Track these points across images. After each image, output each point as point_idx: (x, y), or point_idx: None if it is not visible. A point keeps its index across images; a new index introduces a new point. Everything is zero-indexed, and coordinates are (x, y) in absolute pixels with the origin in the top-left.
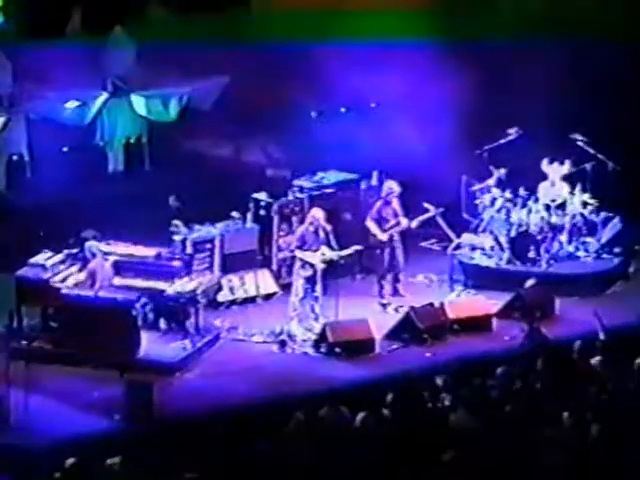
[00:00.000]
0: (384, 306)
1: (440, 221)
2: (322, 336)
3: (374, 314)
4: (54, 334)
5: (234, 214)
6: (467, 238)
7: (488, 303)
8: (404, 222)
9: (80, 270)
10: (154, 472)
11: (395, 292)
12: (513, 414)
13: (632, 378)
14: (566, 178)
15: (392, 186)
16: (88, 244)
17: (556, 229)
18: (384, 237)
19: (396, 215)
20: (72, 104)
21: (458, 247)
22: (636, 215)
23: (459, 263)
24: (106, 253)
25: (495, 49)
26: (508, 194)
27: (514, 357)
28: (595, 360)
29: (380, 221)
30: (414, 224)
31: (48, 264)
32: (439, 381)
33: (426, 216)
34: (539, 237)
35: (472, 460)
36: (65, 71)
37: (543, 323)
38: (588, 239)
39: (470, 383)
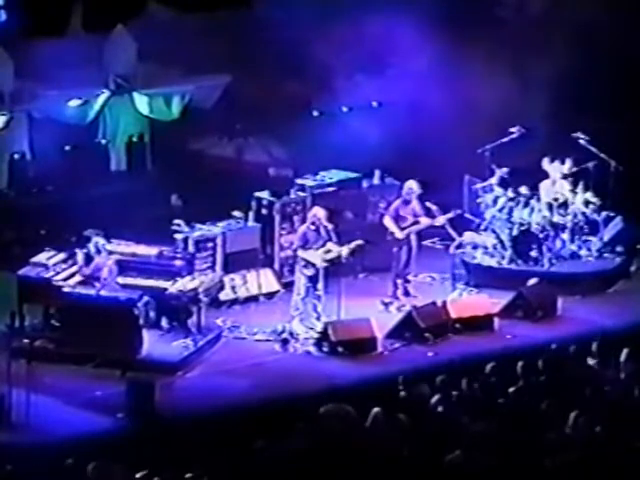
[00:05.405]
0: (386, 305)
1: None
2: (324, 335)
3: (376, 313)
4: (56, 333)
5: (236, 213)
6: (469, 237)
7: (490, 302)
8: (424, 221)
9: (82, 269)
10: (155, 471)
11: (406, 292)
12: (515, 414)
13: (634, 377)
14: (567, 177)
15: (412, 186)
16: (94, 240)
17: (558, 228)
18: (401, 235)
19: (415, 214)
20: (74, 102)
21: (460, 246)
22: (638, 214)
23: (461, 262)
24: (108, 252)
25: (497, 49)
26: (510, 193)
27: (516, 356)
28: (597, 359)
29: (398, 220)
30: (435, 223)
31: (50, 263)
32: (440, 380)
33: (447, 216)
34: (541, 236)
35: (474, 460)
36: (67, 69)
37: (545, 322)
38: (590, 238)
39: (471, 382)
